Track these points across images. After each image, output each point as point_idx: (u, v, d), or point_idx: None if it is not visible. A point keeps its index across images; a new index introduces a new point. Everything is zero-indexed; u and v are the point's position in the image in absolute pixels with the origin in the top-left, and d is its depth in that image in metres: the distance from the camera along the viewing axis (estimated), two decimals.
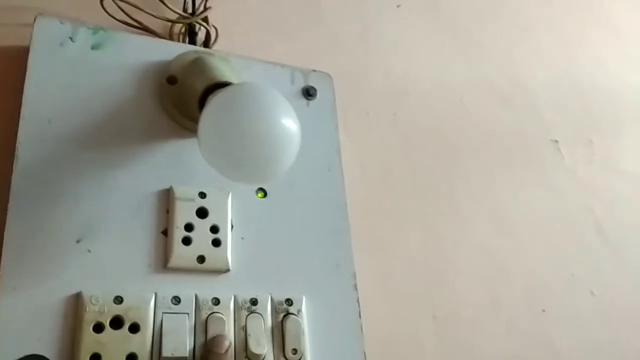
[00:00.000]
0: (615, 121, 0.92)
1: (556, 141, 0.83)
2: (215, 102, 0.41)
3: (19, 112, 0.48)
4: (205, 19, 0.60)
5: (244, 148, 0.40)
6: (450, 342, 0.61)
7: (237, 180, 0.45)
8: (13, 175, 0.46)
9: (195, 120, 0.52)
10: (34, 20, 0.51)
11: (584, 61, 0.97)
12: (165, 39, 0.60)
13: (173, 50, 0.56)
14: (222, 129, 0.40)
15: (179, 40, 0.61)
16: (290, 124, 0.41)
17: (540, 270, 0.71)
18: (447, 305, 0.63)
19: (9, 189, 0.45)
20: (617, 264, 0.77)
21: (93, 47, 0.53)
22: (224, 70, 0.52)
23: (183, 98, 0.53)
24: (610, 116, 0.92)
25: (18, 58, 0.52)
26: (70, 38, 0.52)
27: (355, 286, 0.54)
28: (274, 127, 0.40)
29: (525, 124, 0.83)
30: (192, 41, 0.60)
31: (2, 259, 0.43)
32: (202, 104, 0.48)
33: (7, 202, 0.45)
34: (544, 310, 0.68)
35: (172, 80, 0.54)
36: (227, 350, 0.44)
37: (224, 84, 0.48)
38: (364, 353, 0.51)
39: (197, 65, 0.53)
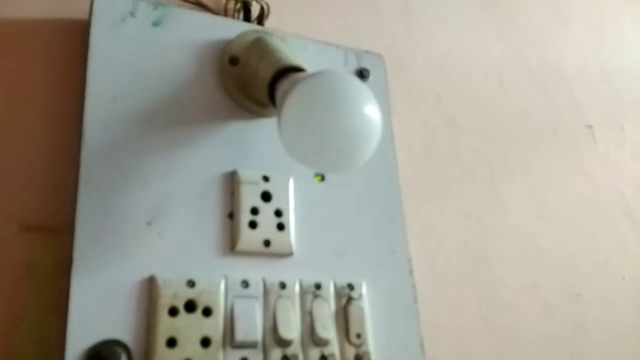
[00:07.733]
0: None
1: (590, 126, 0.83)
2: (302, 91, 0.40)
3: (83, 89, 0.47)
4: None
5: (334, 138, 0.40)
6: (493, 326, 0.62)
7: (319, 169, 0.45)
8: (81, 155, 0.45)
9: (258, 103, 0.53)
10: None
11: (615, 46, 0.96)
12: (219, 14, 0.59)
13: (231, 28, 0.55)
14: (311, 119, 0.39)
15: (233, 17, 0.60)
16: (374, 113, 0.41)
17: (575, 254, 0.73)
18: (489, 289, 0.64)
19: (78, 170, 0.45)
20: None
21: (154, 24, 0.52)
22: (288, 53, 0.51)
23: (246, 79, 0.52)
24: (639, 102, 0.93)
25: (77, 32, 0.51)
26: (131, 13, 0.51)
27: (410, 271, 0.55)
28: (361, 117, 0.40)
29: (560, 108, 0.83)
30: (247, 17, 0.59)
31: (74, 241, 0.42)
32: (272, 88, 0.48)
33: (77, 183, 0.44)
34: (579, 294, 0.70)
35: (234, 60, 0.53)
36: None
37: (293, 69, 0.48)
38: (421, 337, 0.52)
39: (259, 46, 0.53)
